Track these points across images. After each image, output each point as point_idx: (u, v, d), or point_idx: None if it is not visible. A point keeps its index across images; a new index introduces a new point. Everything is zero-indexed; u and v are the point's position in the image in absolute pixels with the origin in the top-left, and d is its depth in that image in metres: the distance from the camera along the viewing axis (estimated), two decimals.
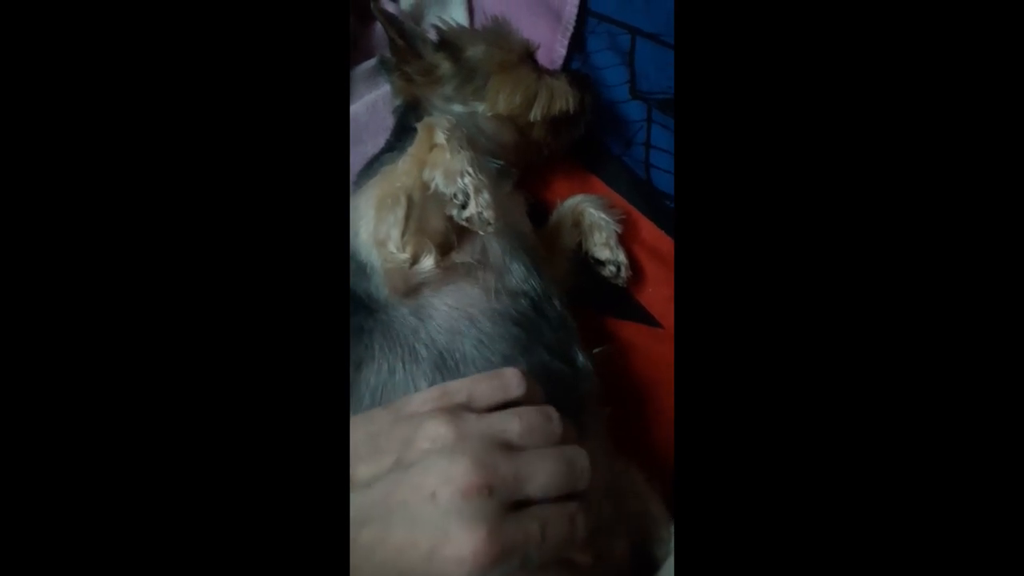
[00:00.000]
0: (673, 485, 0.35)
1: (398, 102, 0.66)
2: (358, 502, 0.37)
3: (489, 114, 0.62)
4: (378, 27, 0.74)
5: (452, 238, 0.52)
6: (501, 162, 0.59)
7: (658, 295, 0.64)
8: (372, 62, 0.73)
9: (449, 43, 0.63)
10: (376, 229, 0.51)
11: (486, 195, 0.49)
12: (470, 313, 0.51)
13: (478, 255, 0.53)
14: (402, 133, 0.62)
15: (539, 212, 0.65)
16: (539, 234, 0.62)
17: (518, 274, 0.54)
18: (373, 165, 0.60)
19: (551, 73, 0.65)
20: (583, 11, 0.69)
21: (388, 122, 0.67)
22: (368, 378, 0.49)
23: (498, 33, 0.65)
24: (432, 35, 0.65)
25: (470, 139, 0.53)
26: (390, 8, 0.71)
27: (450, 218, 0.51)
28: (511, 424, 0.40)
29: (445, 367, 0.49)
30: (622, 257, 0.63)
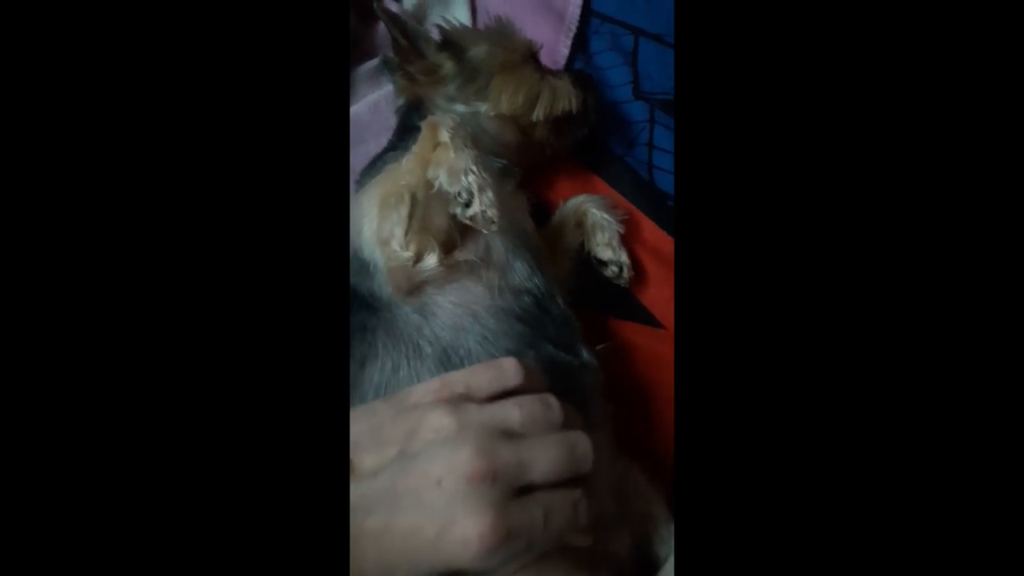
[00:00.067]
0: (673, 485, 0.35)
1: (401, 102, 0.66)
2: (363, 491, 0.38)
3: (492, 114, 0.62)
4: (381, 27, 0.74)
5: (455, 236, 0.52)
6: (504, 161, 0.59)
7: (660, 296, 0.64)
8: (375, 62, 0.73)
9: (452, 43, 0.64)
10: (379, 227, 0.51)
11: (490, 194, 0.49)
12: (474, 310, 0.51)
13: (481, 253, 0.53)
14: (405, 132, 0.62)
15: (541, 212, 0.65)
16: (542, 234, 0.62)
17: (521, 272, 0.54)
18: (376, 164, 0.60)
19: (554, 73, 0.65)
20: (586, 11, 0.69)
21: (391, 122, 0.67)
22: (372, 375, 0.49)
23: (501, 33, 0.65)
24: (435, 35, 0.65)
25: (474, 138, 0.53)
26: (393, 8, 0.71)
27: (453, 217, 0.51)
28: (512, 412, 0.41)
29: (449, 363, 0.49)
30: (624, 257, 0.63)
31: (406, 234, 0.50)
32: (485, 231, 0.51)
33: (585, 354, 0.54)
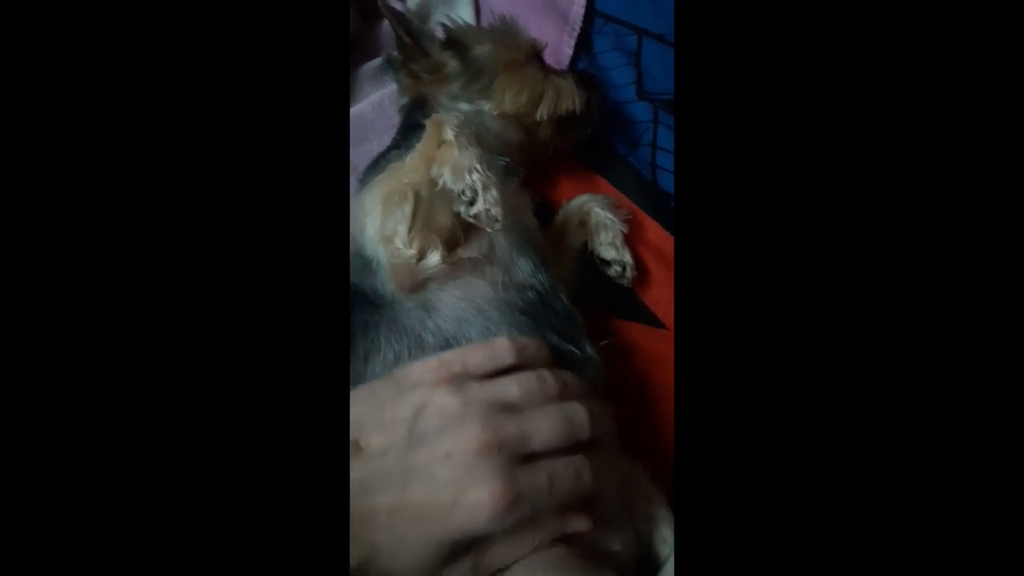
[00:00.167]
0: (673, 484, 0.35)
1: (404, 100, 0.66)
2: (372, 470, 0.40)
3: (495, 113, 0.62)
4: (385, 25, 0.74)
5: (459, 234, 0.52)
6: (507, 160, 0.59)
7: (662, 296, 0.63)
8: (378, 61, 0.73)
9: (456, 41, 0.64)
10: (383, 225, 0.51)
11: (494, 192, 0.49)
12: (477, 303, 0.51)
13: (485, 251, 0.53)
14: (408, 131, 0.62)
15: (545, 212, 0.65)
16: (545, 233, 0.62)
17: (525, 269, 0.54)
18: (379, 162, 0.60)
19: (557, 73, 0.65)
20: (590, 11, 0.69)
21: (394, 120, 0.67)
22: (375, 368, 0.49)
23: (505, 32, 0.65)
24: (439, 33, 0.65)
25: (477, 137, 0.53)
26: (397, 6, 0.71)
27: (457, 215, 0.51)
28: (511, 388, 0.44)
29: None
30: (628, 257, 0.63)
31: (409, 232, 0.50)
32: (489, 229, 0.51)
33: (588, 348, 0.54)
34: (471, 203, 0.49)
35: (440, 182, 0.50)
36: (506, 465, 0.41)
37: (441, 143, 0.51)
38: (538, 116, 0.62)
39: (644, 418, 0.59)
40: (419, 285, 0.51)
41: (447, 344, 0.49)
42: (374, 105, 0.70)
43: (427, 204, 0.51)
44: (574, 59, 0.70)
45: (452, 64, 0.63)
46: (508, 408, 0.43)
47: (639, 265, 0.64)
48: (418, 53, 0.63)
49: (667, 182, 0.66)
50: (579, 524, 0.44)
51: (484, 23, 0.72)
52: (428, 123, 0.53)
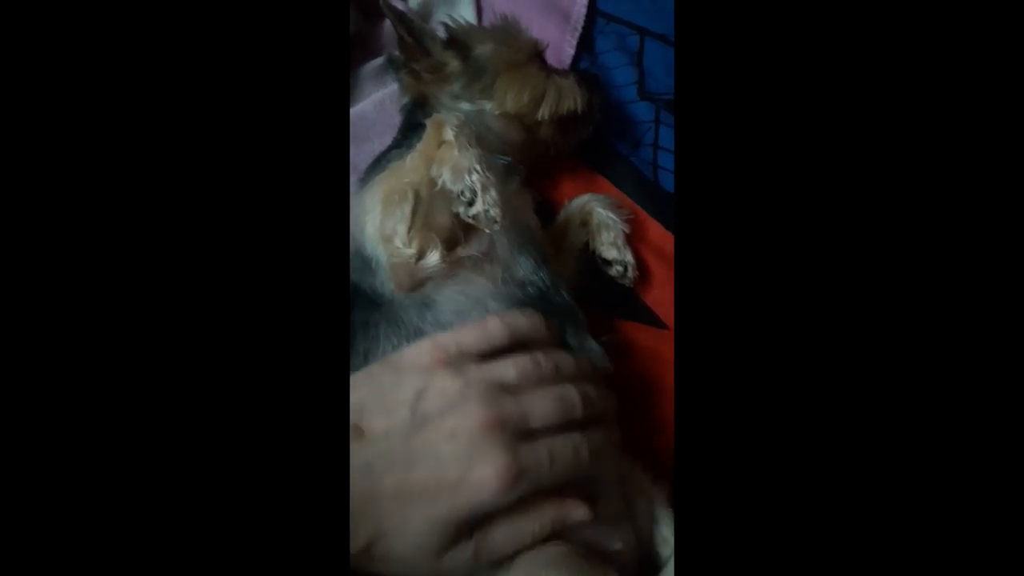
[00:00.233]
0: (673, 484, 0.36)
1: (406, 100, 0.66)
2: (377, 452, 0.41)
3: (497, 112, 0.62)
4: (386, 25, 0.74)
5: (458, 234, 0.52)
6: (508, 158, 0.59)
7: (664, 296, 0.63)
8: (380, 60, 0.73)
9: (458, 41, 0.63)
10: (382, 224, 0.51)
11: (493, 193, 0.49)
12: (477, 297, 0.51)
13: (485, 249, 0.53)
14: (409, 131, 0.62)
15: (546, 212, 0.65)
16: (546, 233, 0.61)
17: (526, 267, 0.54)
18: (380, 162, 0.60)
19: (559, 72, 0.65)
20: (592, 11, 0.69)
21: (395, 120, 0.67)
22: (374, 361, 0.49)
23: (507, 32, 0.65)
24: (441, 33, 0.65)
25: (478, 137, 0.53)
26: (399, 6, 0.71)
27: (456, 214, 0.51)
28: (508, 370, 0.46)
29: None
30: (629, 257, 0.63)
31: (409, 231, 0.50)
32: (487, 230, 0.51)
33: (591, 343, 0.54)
34: (470, 204, 0.49)
35: (440, 182, 0.50)
36: (509, 441, 0.42)
37: (441, 143, 0.51)
38: (540, 116, 0.62)
39: (645, 418, 0.59)
40: (418, 284, 0.51)
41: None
42: (375, 104, 0.70)
43: (427, 204, 0.51)
44: (576, 59, 0.70)
45: (454, 64, 0.63)
46: (506, 388, 0.44)
47: (640, 265, 0.64)
48: (419, 53, 0.63)
49: (669, 182, 0.66)
50: (579, 512, 0.45)
51: (486, 23, 0.72)
52: (428, 123, 0.53)
